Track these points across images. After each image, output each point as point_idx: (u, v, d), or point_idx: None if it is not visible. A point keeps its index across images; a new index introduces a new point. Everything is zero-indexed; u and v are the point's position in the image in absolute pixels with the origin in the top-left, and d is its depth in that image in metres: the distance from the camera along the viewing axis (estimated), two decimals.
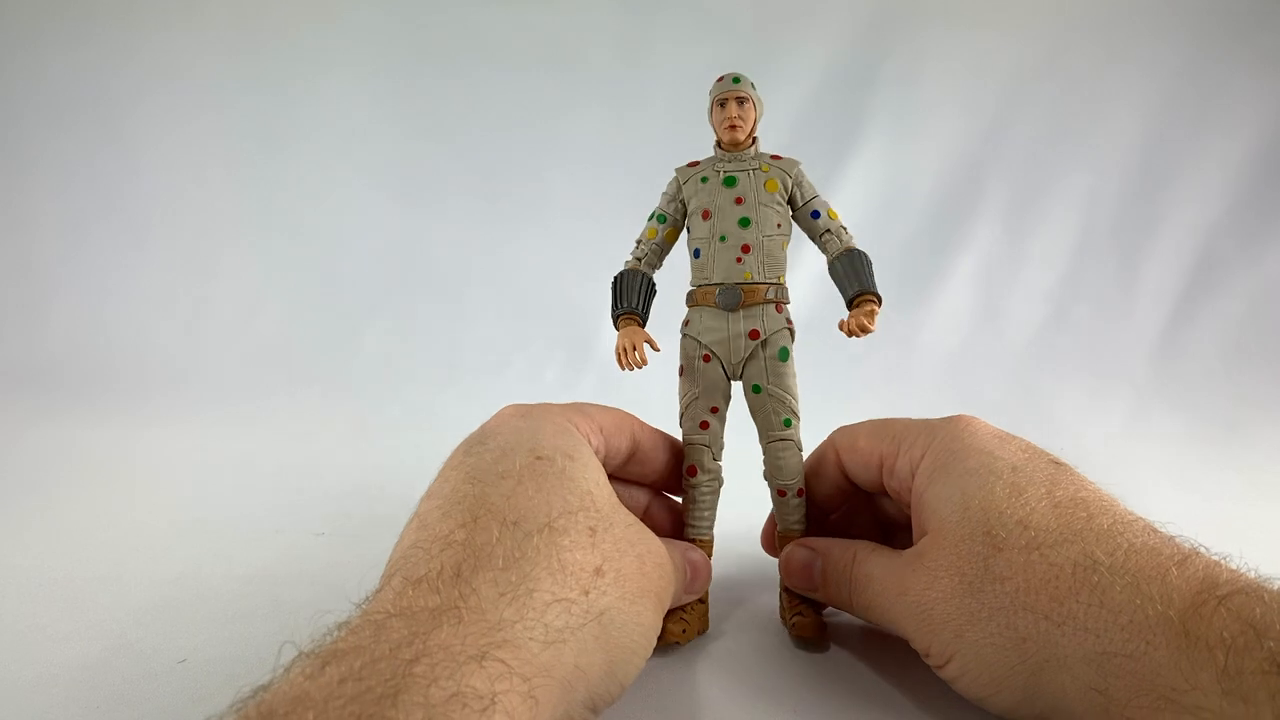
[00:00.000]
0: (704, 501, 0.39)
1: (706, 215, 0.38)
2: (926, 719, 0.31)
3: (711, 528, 0.40)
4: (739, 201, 0.38)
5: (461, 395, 0.90)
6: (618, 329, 0.39)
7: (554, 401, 0.37)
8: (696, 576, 0.36)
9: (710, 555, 0.39)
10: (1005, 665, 0.27)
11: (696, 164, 0.39)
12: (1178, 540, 0.27)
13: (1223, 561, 0.26)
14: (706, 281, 0.38)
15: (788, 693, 0.33)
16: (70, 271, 1.04)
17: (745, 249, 0.37)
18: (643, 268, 0.40)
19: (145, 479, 0.65)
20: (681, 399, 0.39)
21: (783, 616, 0.40)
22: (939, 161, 1.06)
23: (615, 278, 0.40)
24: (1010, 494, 0.30)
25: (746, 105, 0.38)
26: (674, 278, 0.41)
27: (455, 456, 0.32)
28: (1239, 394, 0.91)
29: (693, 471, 0.39)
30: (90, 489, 0.62)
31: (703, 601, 0.38)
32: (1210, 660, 0.22)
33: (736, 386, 0.39)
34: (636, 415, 0.39)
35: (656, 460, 0.39)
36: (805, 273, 0.89)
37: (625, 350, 0.37)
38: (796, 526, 0.40)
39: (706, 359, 0.38)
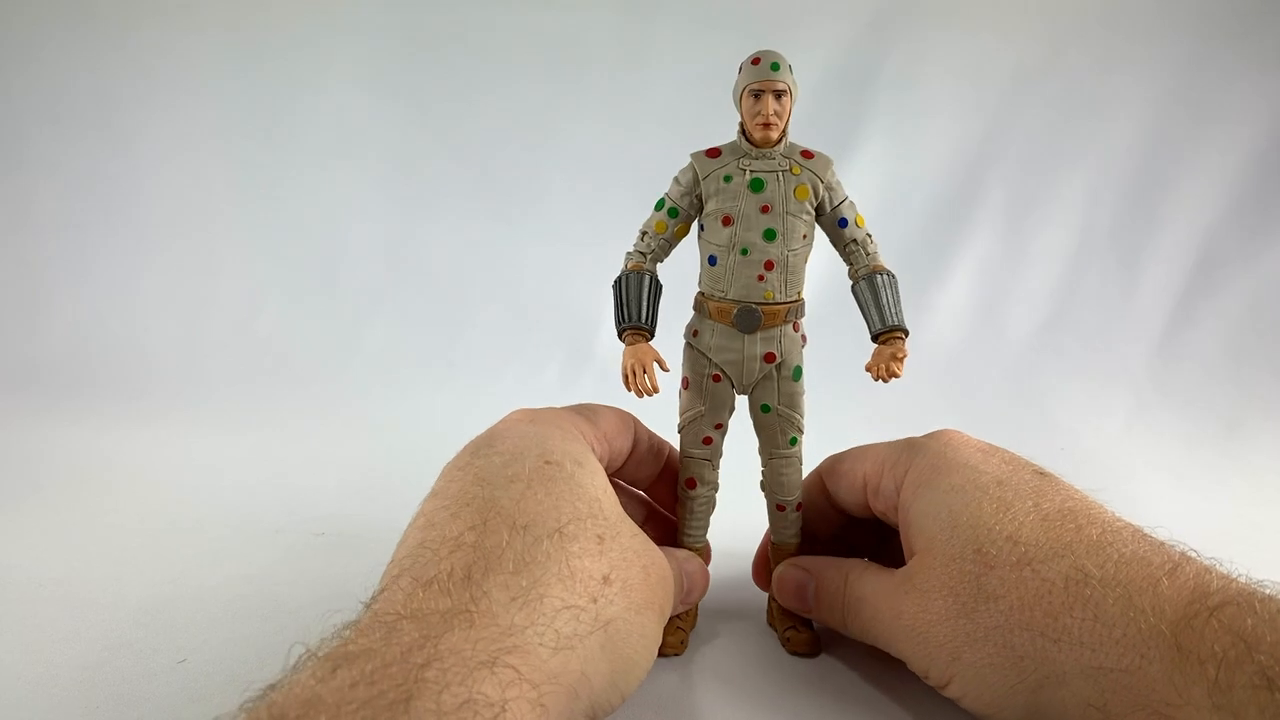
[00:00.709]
0: (700, 513, 0.39)
1: (728, 221, 0.34)
2: None
3: (705, 536, 0.40)
4: (765, 210, 0.34)
5: (461, 395, 0.90)
6: (623, 342, 0.35)
7: (554, 401, 0.37)
8: (693, 588, 0.36)
9: (708, 562, 0.39)
10: (1005, 685, 0.27)
11: (717, 153, 0.35)
12: (1167, 546, 0.27)
13: (1212, 567, 0.26)
14: (722, 295, 0.35)
15: (784, 697, 0.33)
16: (69, 271, 1.04)
17: (768, 265, 0.34)
18: (648, 264, 0.36)
19: (145, 479, 0.65)
20: (684, 412, 0.37)
21: (771, 623, 0.40)
22: (939, 161, 1.06)
23: (617, 281, 0.36)
24: (998, 509, 0.30)
25: (785, 99, 0.33)
26: (678, 273, 0.39)
27: (462, 458, 0.32)
28: (1239, 394, 0.91)
29: (692, 484, 0.38)
30: (90, 489, 0.62)
31: (694, 615, 0.38)
32: (1201, 674, 0.22)
33: (741, 399, 0.38)
34: (637, 416, 0.39)
35: (650, 465, 0.39)
36: (814, 273, 0.89)
37: (634, 373, 0.34)
38: (793, 540, 0.39)
39: (716, 379, 0.36)
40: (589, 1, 1.03)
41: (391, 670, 0.20)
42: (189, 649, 0.36)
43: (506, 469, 0.30)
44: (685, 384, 0.37)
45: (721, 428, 0.38)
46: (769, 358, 0.35)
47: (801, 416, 0.37)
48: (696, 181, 0.35)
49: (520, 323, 1.01)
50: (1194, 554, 0.27)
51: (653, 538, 0.39)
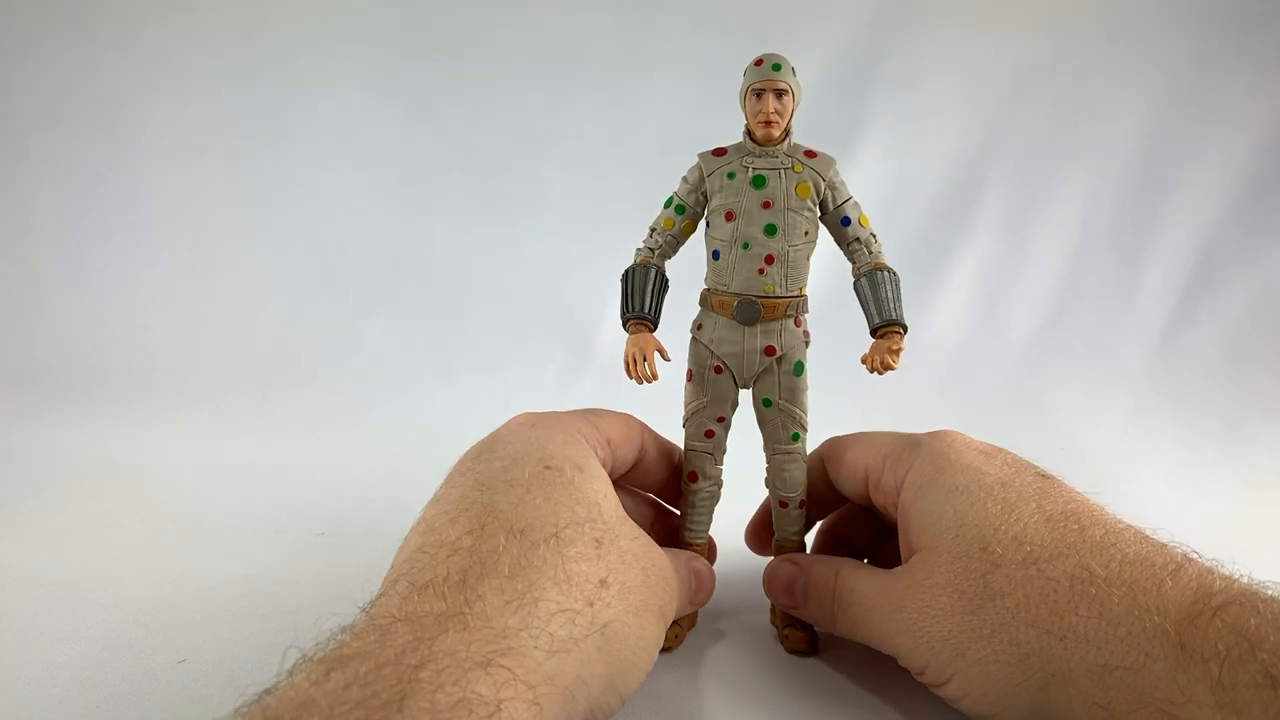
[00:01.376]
0: (703, 507, 0.39)
1: (731, 216, 0.35)
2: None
3: (707, 531, 0.40)
4: (767, 205, 0.35)
5: (461, 395, 0.90)
6: (626, 331, 0.36)
7: (554, 401, 0.37)
8: (701, 588, 0.36)
9: (713, 560, 0.39)
10: (1010, 682, 0.27)
11: (723, 152, 0.36)
12: (1169, 548, 0.27)
13: (1215, 568, 0.26)
14: (725, 289, 0.36)
15: (785, 697, 0.33)
16: (69, 271, 1.04)
17: (769, 259, 0.35)
18: (656, 260, 0.37)
19: (145, 478, 0.65)
20: (687, 405, 0.38)
21: (774, 622, 0.40)
22: (939, 161, 1.06)
23: (625, 273, 0.37)
24: (1003, 510, 0.30)
25: (786, 98, 0.35)
26: (686, 270, 0.39)
27: (464, 463, 0.32)
28: (1239, 394, 0.91)
29: (694, 478, 0.38)
30: (90, 489, 0.62)
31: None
32: (1205, 673, 0.22)
33: (745, 394, 0.38)
34: (641, 419, 0.39)
35: (660, 470, 0.39)
36: (818, 272, 0.89)
37: (635, 360, 0.35)
38: (795, 537, 0.39)
39: (718, 370, 0.37)
40: (589, 3, 1.03)
41: (385, 671, 0.20)
42: (189, 649, 0.36)
43: (506, 474, 0.30)
44: (689, 376, 0.38)
45: (724, 421, 0.38)
46: (769, 351, 0.36)
47: (804, 412, 0.37)
48: (702, 179, 0.36)
49: (520, 323, 1.01)
50: (1196, 556, 0.27)
51: (661, 538, 0.40)
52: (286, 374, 0.95)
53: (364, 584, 0.27)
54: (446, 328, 1.01)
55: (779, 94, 0.34)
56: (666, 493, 0.41)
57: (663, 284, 0.37)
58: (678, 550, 0.37)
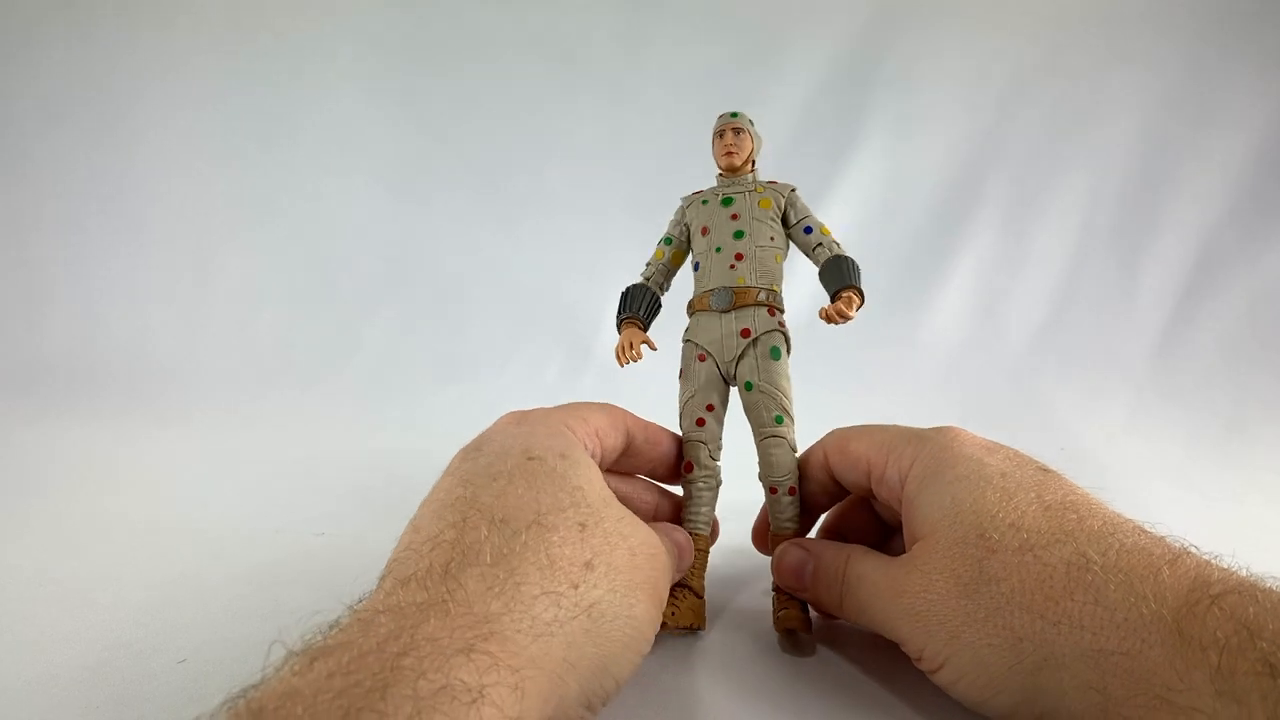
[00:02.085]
0: (701, 498, 0.40)
1: (705, 231, 0.41)
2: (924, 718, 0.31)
3: (708, 523, 0.40)
4: (735, 217, 0.41)
5: (461, 395, 0.90)
6: (620, 332, 0.41)
7: (554, 401, 0.37)
8: (682, 555, 0.37)
9: (715, 538, 0.41)
10: (1003, 666, 0.27)
11: (700, 192, 0.43)
12: (1168, 540, 0.28)
13: (1213, 561, 0.26)
14: (705, 289, 0.41)
15: (786, 692, 0.33)
16: (69, 270, 1.04)
17: (739, 257, 0.40)
18: (650, 286, 0.43)
19: (145, 478, 0.65)
20: (680, 399, 0.41)
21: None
22: (939, 161, 1.06)
23: (624, 290, 0.42)
24: (1001, 498, 0.30)
25: (742, 135, 0.42)
26: (684, 288, 0.43)
27: (452, 463, 0.33)
28: (1239, 394, 0.91)
29: (689, 468, 0.40)
30: (90, 489, 0.62)
31: (699, 596, 0.38)
32: (1204, 660, 0.22)
33: (734, 392, 0.40)
34: (632, 411, 0.39)
35: (654, 451, 0.40)
36: (802, 289, 0.89)
37: (624, 348, 0.40)
38: (789, 525, 0.40)
39: (701, 358, 0.40)
40: (589, 3, 1.03)
41: (368, 660, 0.20)
42: (189, 649, 0.36)
43: (490, 468, 0.30)
44: (681, 374, 0.41)
45: (713, 409, 0.40)
46: (745, 333, 0.39)
47: (786, 396, 0.39)
48: (683, 212, 0.43)
49: (520, 323, 1.01)
50: (1194, 549, 0.27)
51: (669, 519, 0.40)
52: (286, 374, 0.95)
53: (363, 584, 0.27)
54: (446, 328, 1.01)
55: (736, 131, 0.41)
56: (664, 473, 0.42)
57: (654, 300, 0.43)
58: (660, 524, 0.37)
